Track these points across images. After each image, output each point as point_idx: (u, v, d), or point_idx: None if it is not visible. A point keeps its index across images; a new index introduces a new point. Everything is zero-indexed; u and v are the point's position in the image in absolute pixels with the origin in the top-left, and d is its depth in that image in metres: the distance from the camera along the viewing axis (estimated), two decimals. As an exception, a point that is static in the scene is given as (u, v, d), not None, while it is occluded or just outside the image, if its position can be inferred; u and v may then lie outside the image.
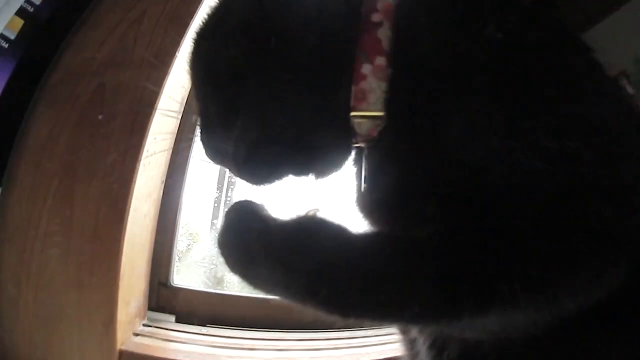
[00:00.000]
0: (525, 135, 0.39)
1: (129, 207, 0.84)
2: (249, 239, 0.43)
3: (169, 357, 0.93)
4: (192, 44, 0.54)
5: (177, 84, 0.91)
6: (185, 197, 1.11)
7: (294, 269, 0.40)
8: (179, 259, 1.15)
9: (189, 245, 1.29)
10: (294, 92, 0.46)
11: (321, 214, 0.44)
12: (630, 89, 0.52)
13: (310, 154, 0.49)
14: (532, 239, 0.38)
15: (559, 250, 0.38)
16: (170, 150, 1.01)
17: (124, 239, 0.84)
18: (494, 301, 0.38)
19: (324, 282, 0.39)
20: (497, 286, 0.37)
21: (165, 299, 1.12)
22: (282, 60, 0.46)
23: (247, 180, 0.51)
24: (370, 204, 0.51)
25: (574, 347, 0.43)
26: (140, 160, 0.84)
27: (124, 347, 0.91)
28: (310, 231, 0.42)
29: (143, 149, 0.85)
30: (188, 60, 0.54)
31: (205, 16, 0.54)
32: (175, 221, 1.09)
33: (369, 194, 0.50)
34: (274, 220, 0.43)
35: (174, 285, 1.12)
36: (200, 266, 1.26)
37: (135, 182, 0.84)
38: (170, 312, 1.11)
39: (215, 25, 0.53)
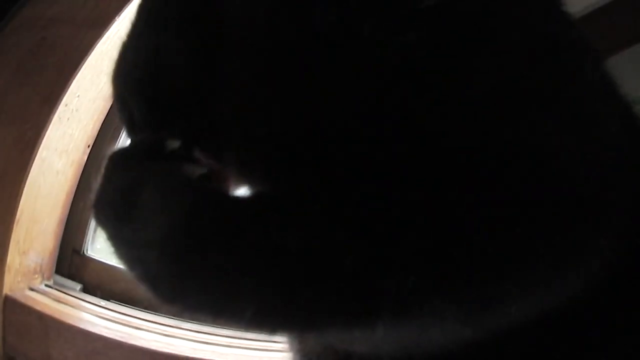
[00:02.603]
0: None
1: (36, 153, 0.87)
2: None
3: (52, 314, 0.93)
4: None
5: (112, 50, 0.95)
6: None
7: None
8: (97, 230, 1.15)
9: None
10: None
11: None
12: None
13: None
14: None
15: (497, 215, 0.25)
16: (102, 117, 1.04)
17: (24, 184, 0.87)
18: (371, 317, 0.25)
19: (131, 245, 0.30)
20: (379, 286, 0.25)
21: (76, 267, 1.12)
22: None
23: None
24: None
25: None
26: (55, 111, 0.88)
27: (10, 294, 0.93)
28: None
29: (60, 101, 0.88)
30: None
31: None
32: (97, 189, 1.09)
33: None
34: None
35: (86, 254, 1.12)
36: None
37: (46, 130, 0.88)
38: (79, 281, 1.11)
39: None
